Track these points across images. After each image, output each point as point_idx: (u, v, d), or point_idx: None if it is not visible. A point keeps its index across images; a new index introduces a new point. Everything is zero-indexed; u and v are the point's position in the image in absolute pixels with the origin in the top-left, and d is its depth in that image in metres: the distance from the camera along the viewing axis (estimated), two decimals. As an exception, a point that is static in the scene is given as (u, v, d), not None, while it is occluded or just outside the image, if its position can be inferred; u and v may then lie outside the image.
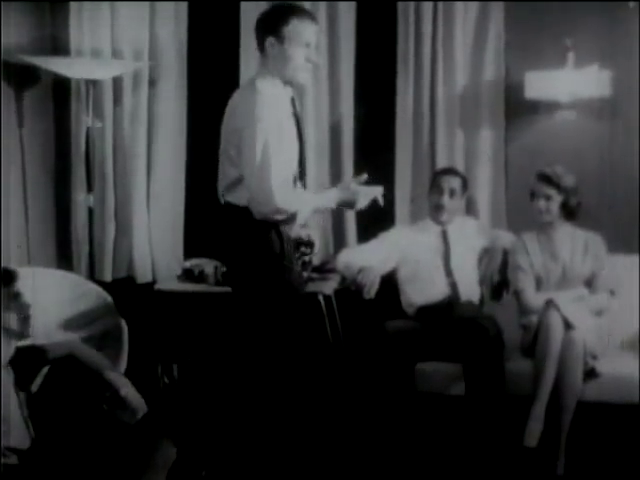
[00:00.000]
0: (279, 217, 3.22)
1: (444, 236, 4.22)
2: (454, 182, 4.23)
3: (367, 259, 4.09)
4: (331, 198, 3.38)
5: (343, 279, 4.46)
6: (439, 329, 4.02)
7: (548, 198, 4.05)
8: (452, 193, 4.22)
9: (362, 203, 3.38)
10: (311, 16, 3.36)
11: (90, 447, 2.91)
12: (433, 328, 4.03)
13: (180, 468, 3.01)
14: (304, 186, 3.42)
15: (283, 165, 3.21)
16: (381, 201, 3.41)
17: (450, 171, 4.32)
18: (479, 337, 3.87)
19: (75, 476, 2.83)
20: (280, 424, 3.68)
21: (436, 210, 4.23)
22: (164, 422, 3.07)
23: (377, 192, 3.40)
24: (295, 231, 3.40)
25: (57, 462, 2.86)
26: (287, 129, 3.28)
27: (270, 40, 3.26)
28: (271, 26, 3.26)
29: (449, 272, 4.15)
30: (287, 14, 3.27)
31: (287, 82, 3.35)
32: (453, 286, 4.13)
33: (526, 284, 4.06)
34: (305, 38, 3.29)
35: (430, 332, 4.02)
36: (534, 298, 4.02)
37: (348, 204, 3.40)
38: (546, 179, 4.05)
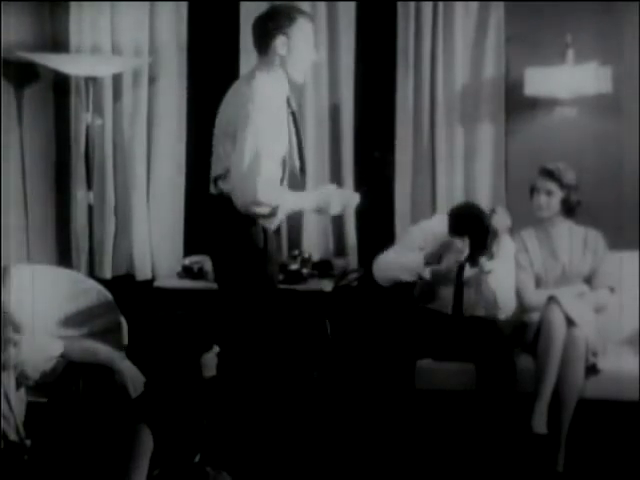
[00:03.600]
0: (258, 209, 3.30)
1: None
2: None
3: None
4: (309, 200, 3.47)
5: (341, 276, 4.47)
6: (448, 328, 4.01)
7: (549, 193, 4.04)
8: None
9: (335, 209, 3.46)
10: (311, 16, 3.55)
11: (71, 440, 2.93)
12: (442, 327, 4.02)
13: (172, 454, 3.03)
14: (304, 180, 3.53)
15: (272, 161, 3.30)
16: (354, 206, 3.53)
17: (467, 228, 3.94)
18: (492, 335, 3.88)
19: (59, 470, 2.85)
20: (277, 421, 3.70)
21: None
22: (141, 410, 3.09)
23: (353, 199, 3.48)
24: None
25: (39, 456, 2.88)
26: (280, 126, 3.36)
27: (281, 39, 3.37)
28: (280, 26, 3.37)
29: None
30: (293, 14, 3.41)
31: (287, 79, 3.46)
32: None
33: (525, 282, 4.05)
34: (309, 36, 3.45)
35: (440, 330, 4.01)
36: (534, 296, 4.01)
37: (323, 208, 3.48)
38: (548, 174, 4.04)
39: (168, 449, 3.03)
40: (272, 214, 3.33)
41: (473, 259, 3.91)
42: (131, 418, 3.03)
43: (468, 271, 3.98)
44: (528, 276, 4.06)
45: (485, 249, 3.92)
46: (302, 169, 3.52)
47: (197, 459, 3.31)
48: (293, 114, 3.49)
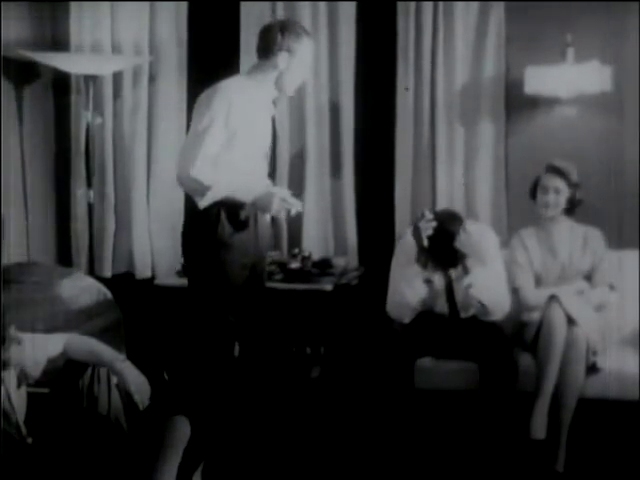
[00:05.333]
0: (191, 185, 3.40)
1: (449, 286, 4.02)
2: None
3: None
4: (248, 194, 3.46)
5: (341, 274, 4.47)
6: (448, 327, 4.01)
7: (557, 191, 4.01)
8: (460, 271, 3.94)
9: (275, 210, 3.46)
10: (310, 34, 3.62)
11: (105, 429, 2.94)
12: (442, 325, 4.01)
13: (194, 450, 3.04)
14: (271, 184, 3.60)
15: (216, 146, 3.39)
16: (293, 213, 3.53)
17: (448, 262, 3.94)
18: (492, 334, 3.87)
19: (93, 459, 2.85)
20: (276, 421, 3.70)
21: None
22: (178, 400, 3.09)
23: (294, 205, 3.50)
24: None
25: (57, 448, 2.88)
26: (253, 122, 3.46)
27: (284, 55, 3.47)
28: (286, 41, 3.47)
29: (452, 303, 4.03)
30: (301, 33, 3.52)
31: (277, 88, 3.56)
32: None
33: (524, 281, 4.04)
34: (309, 56, 3.57)
35: (440, 329, 4.00)
36: (533, 295, 4.00)
37: (262, 206, 3.47)
38: (557, 172, 4.01)
39: None
40: (201, 193, 3.39)
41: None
42: (167, 408, 3.04)
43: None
44: (527, 275, 4.05)
45: (455, 265, 3.94)
46: (271, 174, 3.62)
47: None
48: (272, 119, 3.59)
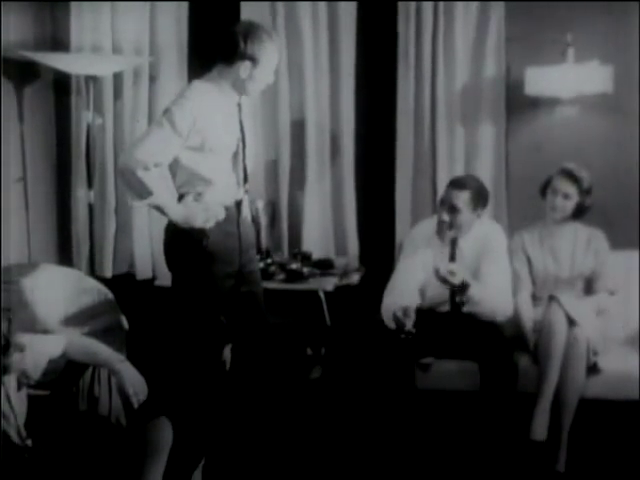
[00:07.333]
0: (133, 182, 3.30)
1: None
2: (460, 197, 3.86)
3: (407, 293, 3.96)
4: (175, 212, 3.39)
5: (342, 275, 4.47)
6: (448, 326, 4.00)
7: (566, 197, 4.00)
8: (454, 209, 3.86)
9: (200, 221, 3.38)
10: (277, 41, 3.51)
11: (90, 434, 2.94)
12: (442, 325, 4.01)
13: (179, 455, 3.04)
14: (240, 191, 3.54)
15: (168, 158, 3.36)
16: (220, 217, 3.44)
17: (458, 184, 3.92)
18: (492, 334, 3.87)
19: (77, 463, 2.85)
20: (277, 422, 3.70)
21: (439, 227, 3.96)
22: (162, 403, 3.09)
23: (219, 214, 3.43)
24: None
25: (57, 450, 2.88)
26: (218, 126, 3.38)
27: (246, 64, 3.35)
28: (249, 50, 3.34)
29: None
30: (265, 40, 3.37)
31: (239, 93, 3.46)
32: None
33: (520, 298, 4.01)
34: (272, 62, 3.42)
35: (440, 328, 4.00)
36: (526, 308, 3.98)
37: (188, 221, 3.39)
38: (570, 176, 3.99)
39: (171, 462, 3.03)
40: (140, 195, 3.32)
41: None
42: (149, 413, 3.04)
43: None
44: (524, 286, 4.04)
45: (485, 205, 3.94)
46: (244, 179, 3.53)
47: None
48: (240, 122, 3.49)
